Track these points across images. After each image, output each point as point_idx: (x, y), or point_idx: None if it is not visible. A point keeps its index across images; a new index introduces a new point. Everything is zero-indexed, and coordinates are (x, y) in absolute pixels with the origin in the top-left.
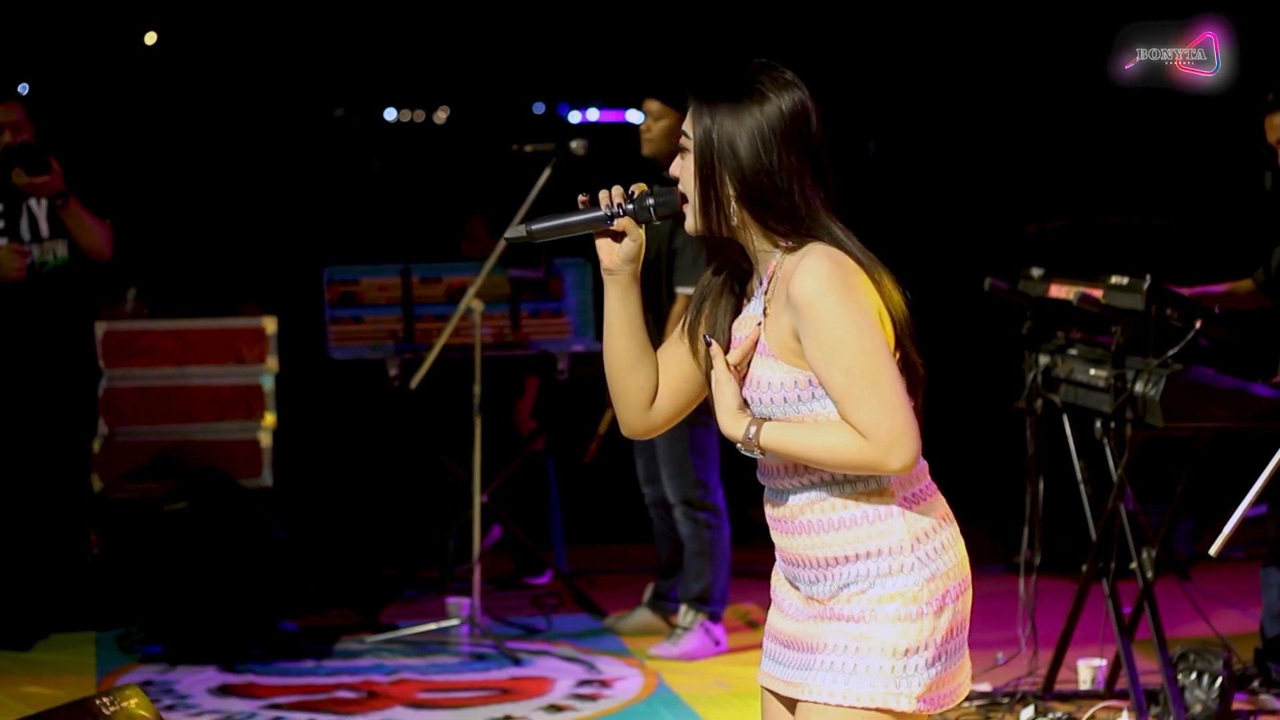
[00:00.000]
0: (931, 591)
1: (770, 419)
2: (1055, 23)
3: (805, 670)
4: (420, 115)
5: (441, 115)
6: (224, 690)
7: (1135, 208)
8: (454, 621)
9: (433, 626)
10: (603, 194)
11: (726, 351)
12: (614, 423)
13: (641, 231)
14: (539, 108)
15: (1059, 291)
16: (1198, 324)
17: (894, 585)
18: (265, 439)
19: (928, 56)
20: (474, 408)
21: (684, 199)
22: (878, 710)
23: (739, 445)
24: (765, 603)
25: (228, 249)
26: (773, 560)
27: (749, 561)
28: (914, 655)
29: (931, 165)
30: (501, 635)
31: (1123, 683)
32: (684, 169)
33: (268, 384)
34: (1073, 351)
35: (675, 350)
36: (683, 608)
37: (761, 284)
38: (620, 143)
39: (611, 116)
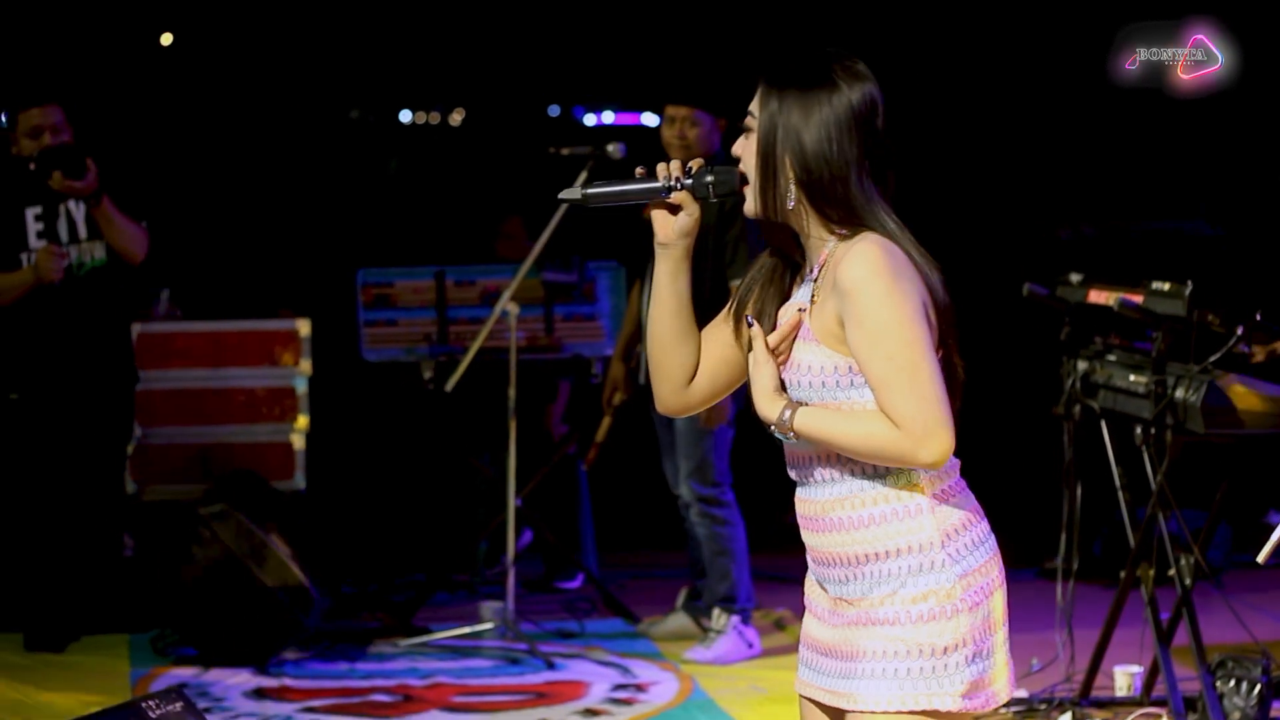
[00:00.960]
0: (964, 588)
1: (806, 404)
2: (1082, 24)
3: (848, 679)
4: (436, 117)
5: (457, 117)
6: (259, 693)
7: (1167, 211)
8: (488, 625)
9: (467, 630)
10: (660, 167)
11: (774, 325)
12: (614, 430)
13: (698, 207)
14: (554, 110)
15: (1098, 297)
16: (1239, 330)
17: (925, 583)
18: (298, 441)
19: (955, 59)
20: (509, 411)
21: (744, 180)
22: (922, 713)
23: (772, 428)
24: (796, 607)
25: (261, 251)
26: (803, 564)
27: (780, 567)
28: (953, 653)
29: (960, 169)
30: (535, 639)
31: (1159, 689)
32: (746, 149)
33: (301, 386)
34: (1111, 357)
35: (719, 332)
36: (715, 611)
37: (811, 271)
38: (636, 145)
39: (626, 119)
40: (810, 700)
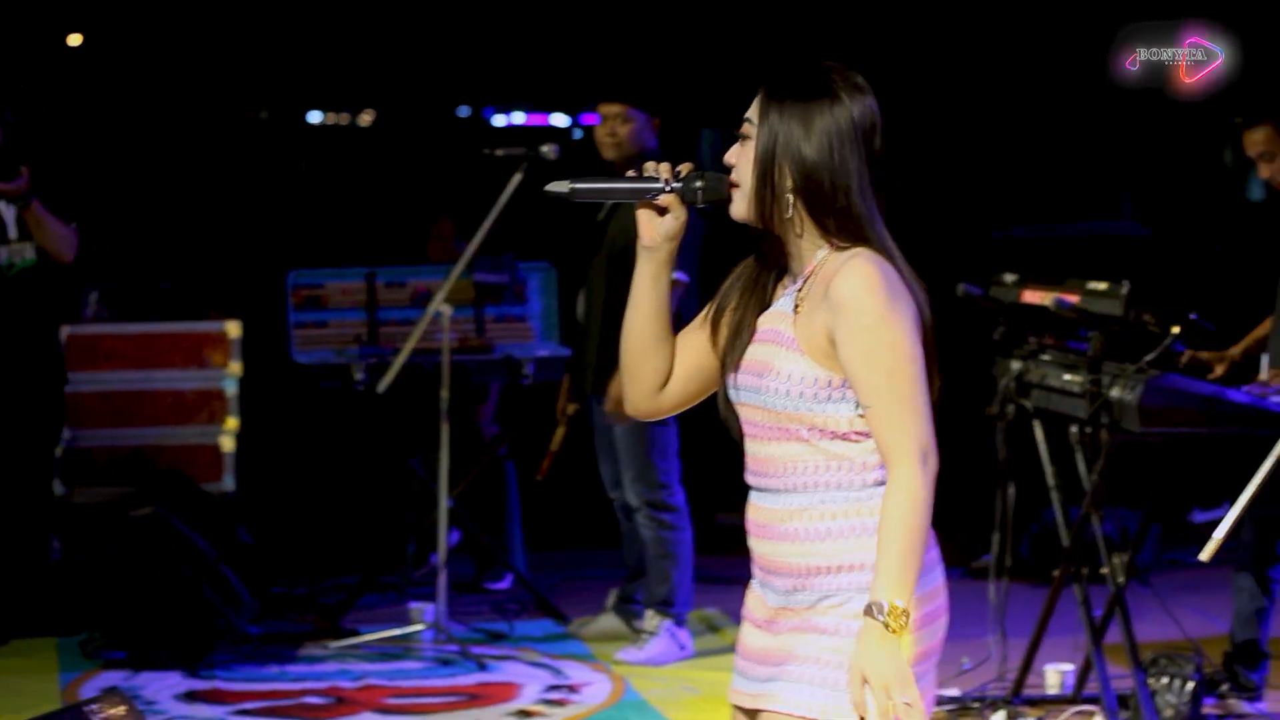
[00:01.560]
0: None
1: (877, 603)
2: (1021, 25)
3: (771, 681)
4: (345, 118)
5: (366, 118)
6: (190, 696)
7: (1095, 212)
8: (419, 626)
9: (398, 632)
10: (649, 166)
11: (753, 331)
12: (567, 439)
13: (685, 211)
14: (464, 111)
15: (1033, 297)
16: (1175, 330)
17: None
18: (228, 443)
19: (887, 60)
20: (441, 413)
21: (732, 186)
22: None
23: (897, 625)
24: (729, 608)
25: (191, 253)
26: (738, 565)
27: (713, 566)
28: None
29: (893, 170)
30: (466, 640)
31: (1091, 687)
32: (742, 155)
33: (231, 388)
34: (1046, 357)
35: (694, 338)
36: (648, 612)
37: (795, 281)
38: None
39: (536, 120)
40: (740, 710)
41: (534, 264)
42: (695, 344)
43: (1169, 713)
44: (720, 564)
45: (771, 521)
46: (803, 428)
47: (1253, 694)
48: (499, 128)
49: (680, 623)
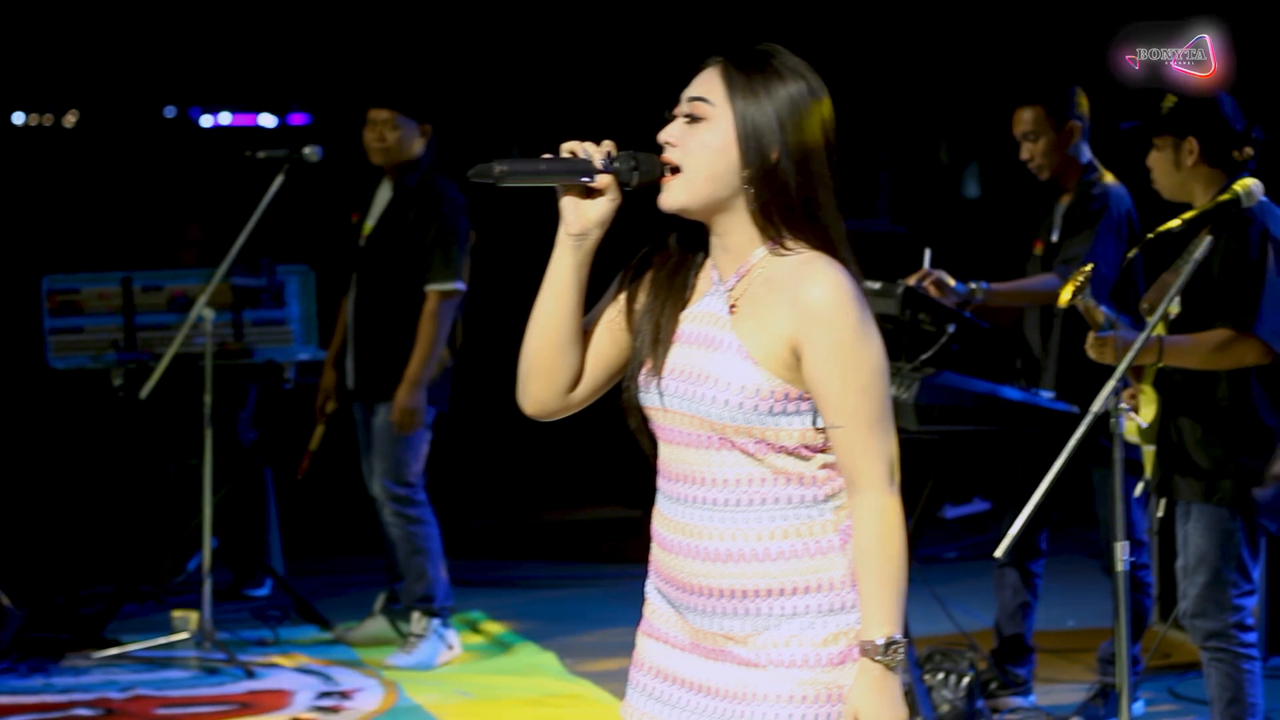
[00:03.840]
0: None
1: (875, 646)
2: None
3: None
4: (49, 119)
5: (71, 119)
6: None
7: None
8: (183, 635)
9: (162, 641)
10: (577, 145)
11: (673, 332)
12: (325, 439)
13: (620, 194)
14: (170, 111)
15: None
16: (950, 328)
17: (837, 624)
18: None
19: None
20: (204, 418)
21: (671, 170)
22: None
23: (892, 661)
24: (490, 609)
25: None
26: (495, 568)
27: (472, 570)
28: None
29: None
30: (233, 648)
31: None
32: (690, 137)
33: None
34: None
35: (599, 333)
36: (414, 615)
37: (723, 279)
38: (252, 146)
39: (243, 120)
40: None
41: (291, 267)
42: (602, 340)
43: (945, 708)
44: (478, 567)
45: (697, 539)
46: (749, 441)
47: (1022, 688)
48: (206, 128)
49: (446, 621)
